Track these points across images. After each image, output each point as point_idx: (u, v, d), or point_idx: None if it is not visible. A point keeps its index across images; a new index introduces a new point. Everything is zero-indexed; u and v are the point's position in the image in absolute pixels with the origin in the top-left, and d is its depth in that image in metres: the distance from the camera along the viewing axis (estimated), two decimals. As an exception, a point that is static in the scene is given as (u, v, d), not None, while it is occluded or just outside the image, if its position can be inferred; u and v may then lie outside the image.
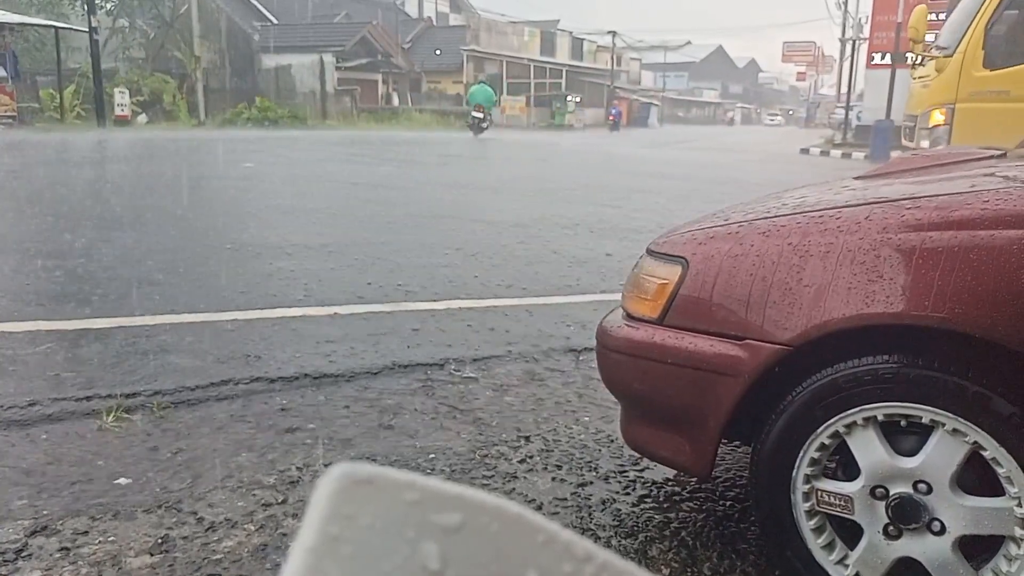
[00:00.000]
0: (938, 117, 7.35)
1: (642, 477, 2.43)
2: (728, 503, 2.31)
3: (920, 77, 8.13)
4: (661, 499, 2.31)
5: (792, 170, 13.72)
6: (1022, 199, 1.59)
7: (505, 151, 18.91)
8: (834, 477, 1.71)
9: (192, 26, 27.54)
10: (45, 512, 2.10)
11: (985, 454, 1.54)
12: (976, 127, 6.89)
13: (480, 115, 22.83)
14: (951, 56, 7.08)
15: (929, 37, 8.24)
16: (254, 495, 2.23)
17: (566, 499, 2.29)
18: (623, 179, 12.60)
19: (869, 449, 1.63)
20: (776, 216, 1.85)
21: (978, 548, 1.60)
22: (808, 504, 1.71)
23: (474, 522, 0.26)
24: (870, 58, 25.56)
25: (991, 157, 2.66)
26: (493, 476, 2.42)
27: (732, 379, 1.73)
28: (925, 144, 7.58)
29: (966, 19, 7.12)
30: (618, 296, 2.15)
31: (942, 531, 1.57)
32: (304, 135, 22.02)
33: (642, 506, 2.27)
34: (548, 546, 0.27)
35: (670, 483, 2.41)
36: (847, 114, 27.49)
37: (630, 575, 0.28)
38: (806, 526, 1.72)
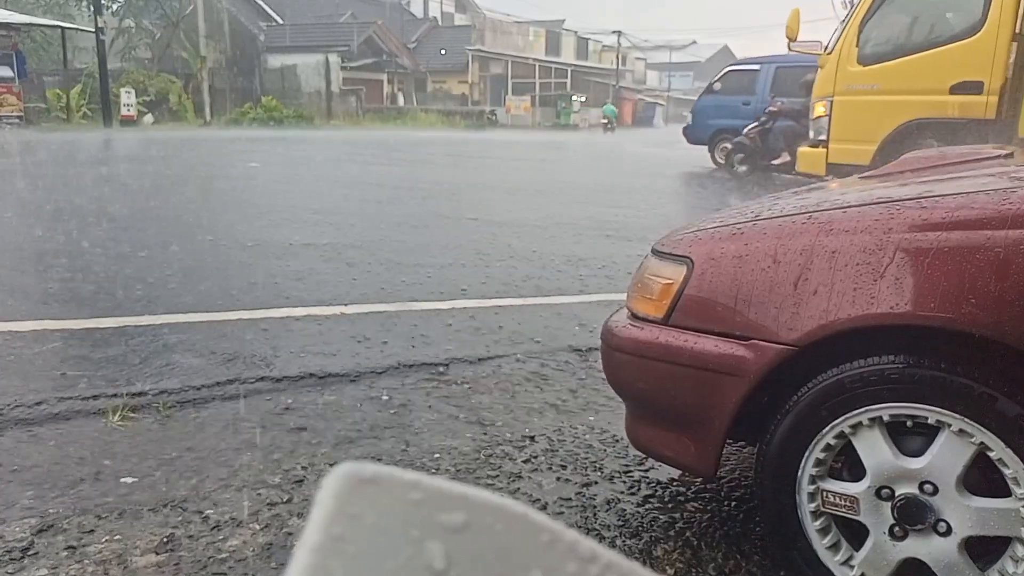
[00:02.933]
0: (820, 109, 7.95)
1: (647, 477, 2.43)
2: (733, 503, 2.30)
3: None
4: (666, 499, 2.31)
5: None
6: (1029, 199, 1.58)
7: (518, 151, 18.90)
8: (839, 478, 1.71)
9: (198, 26, 27.60)
10: (51, 511, 2.11)
11: (991, 455, 1.53)
12: (851, 118, 7.56)
13: (607, 121, 34.51)
14: (831, 54, 7.74)
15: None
16: (259, 494, 2.24)
17: (571, 499, 2.29)
18: (631, 179, 12.59)
19: (875, 450, 1.62)
20: (781, 216, 1.84)
21: (984, 549, 1.59)
22: (813, 505, 1.71)
23: (478, 522, 0.26)
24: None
25: (998, 157, 2.65)
26: (498, 476, 2.42)
27: (737, 379, 1.73)
28: (811, 135, 8.27)
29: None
30: (623, 296, 2.15)
31: (948, 532, 1.56)
32: (309, 135, 22.05)
33: (647, 506, 2.26)
34: (552, 546, 0.27)
35: (675, 483, 2.40)
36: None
37: (635, 575, 0.28)
38: (811, 526, 1.72)
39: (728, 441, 1.91)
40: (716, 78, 15.64)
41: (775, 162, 12.87)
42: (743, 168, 13.39)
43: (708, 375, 1.78)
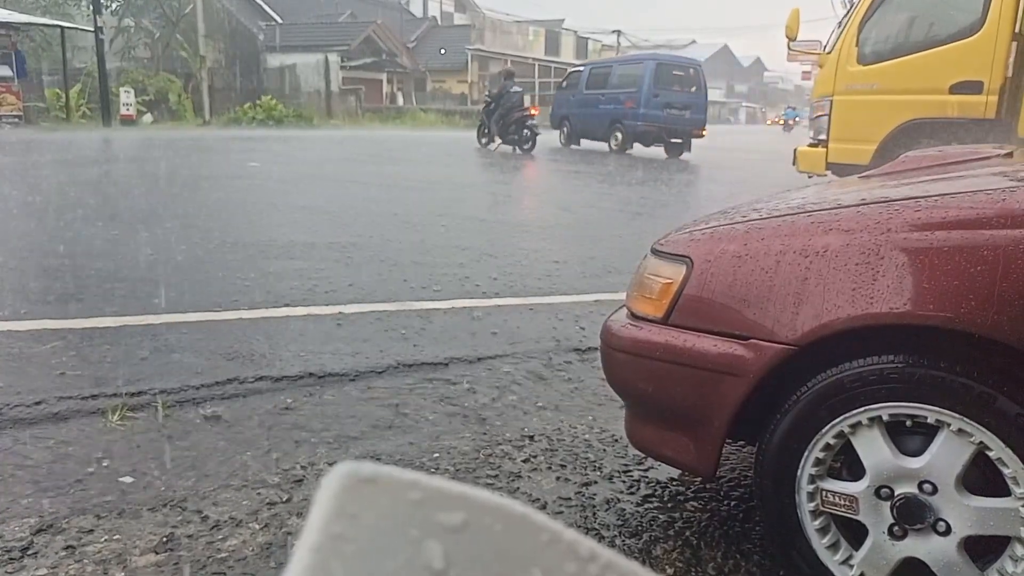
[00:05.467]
0: (820, 108, 8.09)
1: (646, 477, 2.43)
2: (733, 503, 2.31)
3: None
4: (665, 499, 2.31)
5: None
6: (1028, 198, 1.58)
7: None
8: (839, 477, 1.71)
9: (197, 25, 27.57)
10: (51, 510, 2.11)
11: (991, 454, 1.53)
12: (851, 117, 7.66)
13: None
14: (830, 53, 7.86)
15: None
16: (259, 494, 2.24)
17: (570, 498, 2.29)
18: (632, 178, 12.59)
19: (874, 449, 1.63)
20: (781, 215, 1.85)
21: (984, 549, 1.59)
22: (813, 504, 1.71)
23: (478, 521, 0.26)
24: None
25: (997, 156, 2.65)
26: (497, 475, 2.42)
27: (737, 379, 1.73)
28: (811, 133, 8.41)
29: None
30: (623, 296, 2.15)
31: (947, 531, 1.56)
32: (309, 134, 22.04)
33: (646, 506, 2.26)
34: (552, 545, 0.27)
35: (674, 483, 2.40)
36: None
37: (634, 575, 0.28)
38: (811, 526, 1.72)
39: (728, 440, 1.91)
40: (563, 78, 21.02)
41: (492, 135, 16.57)
42: (483, 140, 16.99)
43: (707, 375, 1.78)
